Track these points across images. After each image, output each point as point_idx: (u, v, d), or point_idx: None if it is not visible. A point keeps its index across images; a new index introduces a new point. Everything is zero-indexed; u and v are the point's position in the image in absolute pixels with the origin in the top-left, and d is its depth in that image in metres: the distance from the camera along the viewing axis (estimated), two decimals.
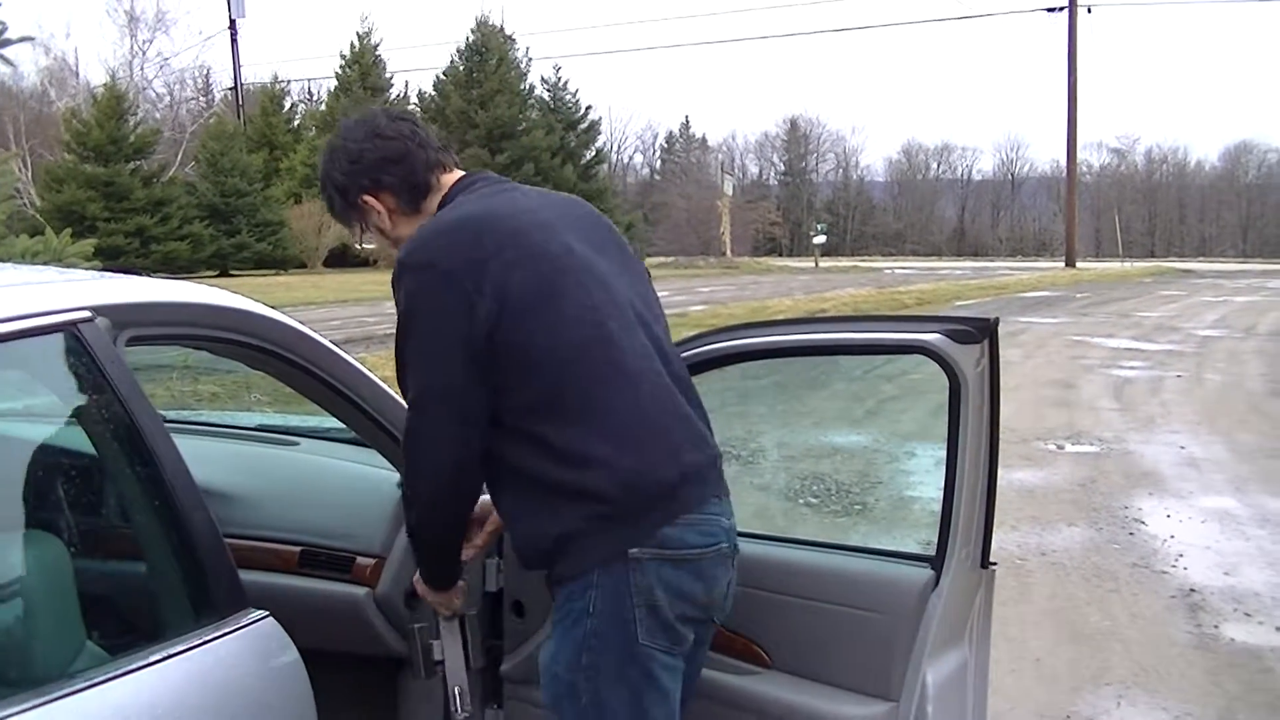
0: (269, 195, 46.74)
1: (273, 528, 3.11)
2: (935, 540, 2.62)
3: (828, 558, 2.84)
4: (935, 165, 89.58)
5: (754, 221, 63.31)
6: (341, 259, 47.79)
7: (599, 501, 2.27)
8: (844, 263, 58.85)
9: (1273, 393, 13.58)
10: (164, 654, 2.04)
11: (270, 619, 2.25)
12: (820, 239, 57.19)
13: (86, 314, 2.12)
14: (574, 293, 2.34)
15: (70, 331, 2.09)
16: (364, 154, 2.52)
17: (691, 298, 28.21)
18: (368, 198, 2.54)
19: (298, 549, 3.10)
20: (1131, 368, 15.65)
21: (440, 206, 2.52)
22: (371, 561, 3.04)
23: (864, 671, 2.64)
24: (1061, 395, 13.17)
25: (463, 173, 2.59)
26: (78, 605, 2.10)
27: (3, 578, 2.04)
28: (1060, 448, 10.11)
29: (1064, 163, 54.82)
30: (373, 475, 3.15)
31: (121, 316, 2.20)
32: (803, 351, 2.94)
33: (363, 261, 43.03)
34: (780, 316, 18.65)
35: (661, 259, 54.03)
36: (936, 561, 2.61)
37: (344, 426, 3.48)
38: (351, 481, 3.24)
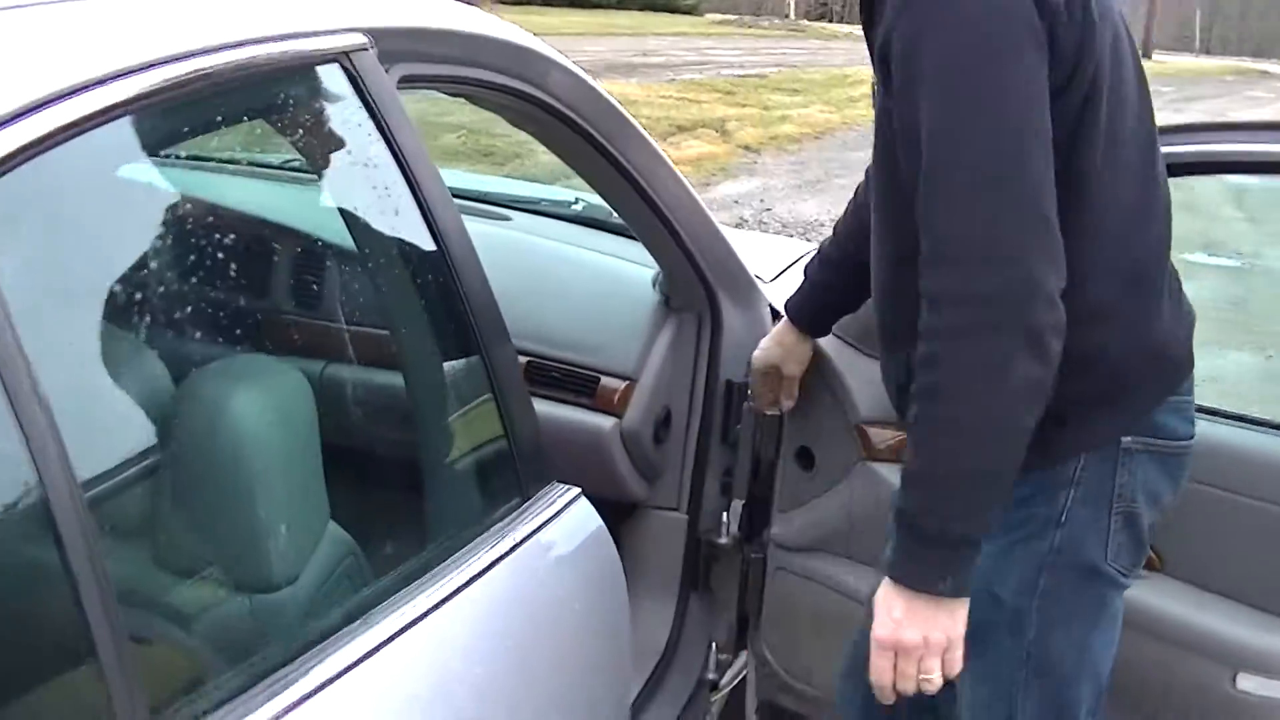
0: None
1: None
2: None
3: (1252, 436, 2.09)
4: None
5: None
6: None
7: (1104, 364, 1.60)
8: None
9: None
10: None
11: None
12: None
13: (361, 39, 1.51)
14: (1131, 88, 1.62)
15: (340, 63, 1.48)
16: None
17: (764, 59, 25.54)
18: None
19: (523, 360, 2.26)
20: None
21: None
22: (620, 385, 2.39)
23: None
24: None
25: None
26: None
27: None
28: None
29: None
30: (618, 270, 2.48)
31: (394, 45, 1.58)
32: None
33: (546, 0, 41.68)
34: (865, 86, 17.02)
35: (720, 15, 46.97)
36: None
37: (562, 200, 2.78)
38: (590, 277, 2.52)
